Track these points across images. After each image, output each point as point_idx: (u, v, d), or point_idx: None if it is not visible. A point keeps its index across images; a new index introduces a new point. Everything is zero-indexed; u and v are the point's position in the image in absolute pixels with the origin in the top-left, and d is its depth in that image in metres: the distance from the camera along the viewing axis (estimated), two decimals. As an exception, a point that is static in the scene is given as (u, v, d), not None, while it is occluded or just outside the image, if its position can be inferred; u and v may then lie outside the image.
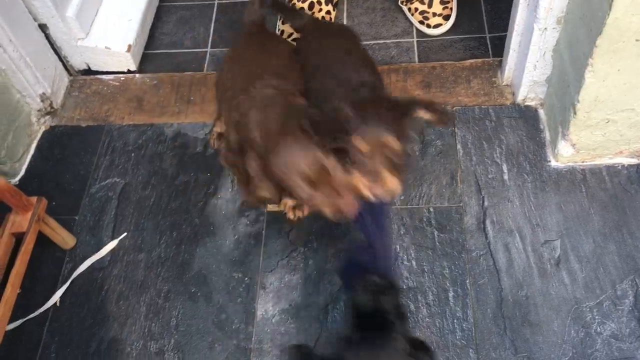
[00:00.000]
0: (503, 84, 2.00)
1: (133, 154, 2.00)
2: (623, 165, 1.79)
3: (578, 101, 1.56)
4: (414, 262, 1.70)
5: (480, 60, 2.08)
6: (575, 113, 1.60)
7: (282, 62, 1.62)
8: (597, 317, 1.56)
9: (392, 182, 1.33)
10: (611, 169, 1.79)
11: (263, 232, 1.80)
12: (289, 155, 1.32)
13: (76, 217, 1.87)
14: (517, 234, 1.71)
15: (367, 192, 1.32)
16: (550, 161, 1.83)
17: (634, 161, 1.78)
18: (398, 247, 1.72)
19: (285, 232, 1.79)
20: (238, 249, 1.78)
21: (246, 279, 1.72)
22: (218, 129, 1.84)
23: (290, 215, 1.71)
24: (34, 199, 1.65)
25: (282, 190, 1.39)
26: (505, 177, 1.82)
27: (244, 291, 1.70)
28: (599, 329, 1.54)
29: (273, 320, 1.65)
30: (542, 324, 1.57)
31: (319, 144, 1.33)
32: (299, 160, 1.31)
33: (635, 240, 1.66)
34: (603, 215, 1.71)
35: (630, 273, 1.61)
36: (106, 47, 2.13)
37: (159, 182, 1.93)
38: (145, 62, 2.26)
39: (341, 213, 1.31)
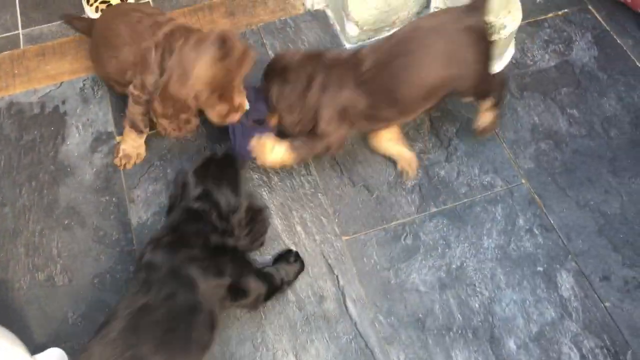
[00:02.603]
0: (293, -2, 2.36)
1: (-29, 131, 2.05)
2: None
3: (347, -22, 1.94)
4: (256, 146, 1.97)
5: (270, -15, 2.42)
6: (348, -9, 1.98)
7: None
8: (407, 142, 1.94)
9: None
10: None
11: (118, 159, 1.96)
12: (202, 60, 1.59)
13: None
14: (333, 103, 2.05)
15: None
16: (344, 45, 2.20)
17: (405, 29, 2.21)
18: (240, 137, 1.98)
19: (139, 154, 1.97)
20: (99, 179, 1.93)
21: (114, 199, 1.88)
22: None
23: (118, 163, 1.94)
24: None
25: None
26: (313, 65, 2.16)
27: (114, 209, 1.86)
28: (411, 150, 1.93)
29: (148, 223, 1.83)
30: (369, 159, 1.92)
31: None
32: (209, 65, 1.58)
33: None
34: (393, 72, 2.12)
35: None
36: None
37: (4, 146, 2.01)
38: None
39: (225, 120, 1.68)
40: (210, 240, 1.48)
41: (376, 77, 1.65)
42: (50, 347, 1.58)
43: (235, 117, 1.69)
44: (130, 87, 1.77)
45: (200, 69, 1.58)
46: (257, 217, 1.61)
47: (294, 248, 1.75)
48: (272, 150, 1.69)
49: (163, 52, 1.69)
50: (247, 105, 1.70)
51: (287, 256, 1.69)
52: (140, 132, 1.87)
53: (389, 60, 1.65)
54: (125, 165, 1.93)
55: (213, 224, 1.50)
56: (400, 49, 1.66)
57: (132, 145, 1.91)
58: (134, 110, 1.81)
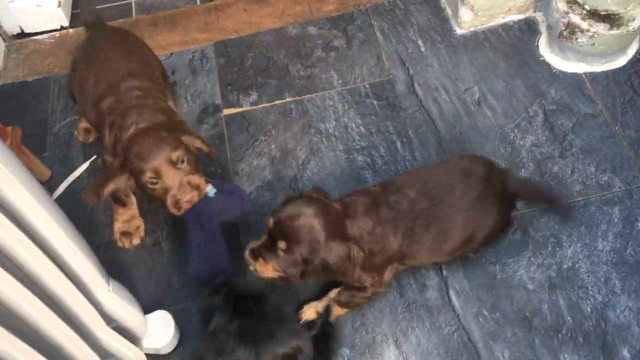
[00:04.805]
0: (403, -20, 2.31)
1: (85, 94, 2.12)
2: (514, 21, 2.13)
3: (469, -39, 1.88)
4: (362, 128, 1.95)
5: (380, -34, 2.37)
6: (468, -26, 1.92)
7: (139, 60, 1.74)
8: (518, 135, 1.88)
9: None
10: (505, 26, 2.13)
11: (224, 131, 1.99)
12: (152, 145, 1.44)
13: (45, 154, 1.98)
14: (441, 89, 2.01)
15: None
16: (455, 30, 2.14)
17: (521, 16, 2.13)
18: (346, 118, 1.97)
19: (244, 128, 1.99)
20: (205, 149, 1.95)
21: (219, 170, 1.91)
22: (83, 124, 1.90)
23: (120, 244, 1.75)
24: (9, 128, 1.76)
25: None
26: (422, 49, 2.11)
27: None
28: (521, 143, 1.86)
29: (252, 197, 1.85)
30: (476, 149, 1.87)
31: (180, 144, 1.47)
32: (157, 150, 1.43)
33: (536, 72, 2.00)
34: (506, 61, 2.04)
35: (537, 97, 1.95)
36: (37, 5, 2.24)
37: (117, 112, 2.07)
38: (76, 21, 2.38)
39: (179, 206, 1.45)
40: None
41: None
42: (155, 309, 1.62)
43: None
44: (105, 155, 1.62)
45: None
46: None
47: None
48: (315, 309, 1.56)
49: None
50: (210, 192, 1.47)
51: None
52: (123, 204, 1.73)
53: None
54: (131, 242, 1.75)
55: None
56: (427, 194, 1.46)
57: (124, 220, 1.75)
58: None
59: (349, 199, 1.43)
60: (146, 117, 1.54)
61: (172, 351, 1.58)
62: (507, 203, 1.54)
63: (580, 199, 1.73)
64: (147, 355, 1.51)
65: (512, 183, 1.55)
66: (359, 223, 1.38)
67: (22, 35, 2.32)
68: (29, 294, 1.00)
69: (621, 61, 1.96)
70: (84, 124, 1.90)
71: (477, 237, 1.49)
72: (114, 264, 1.75)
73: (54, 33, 2.33)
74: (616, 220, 1.68)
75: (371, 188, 1.49)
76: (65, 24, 2.34)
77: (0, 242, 0.96)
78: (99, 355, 1.23)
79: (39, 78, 2.19)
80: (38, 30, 2.33)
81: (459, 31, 2.13)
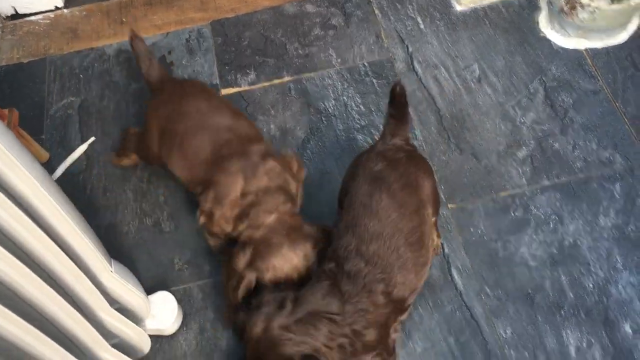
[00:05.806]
0: (402, -44, 2.27)
1: (81, 75, 2.10)
2: (514, -2, 2.11)
3: (469, -64, 1.85)
4: (362, 107, 1.94)
5: (378, -58, 2.34)
6: (468, -51, 1.89)
7: (235, 117, 1.63)
8: (519, 112, 1.87)
9: None
10: (505, 2, 2.11)
11: (223, 112, 1.97)
12: (285, 257, 1.40)
13: (43, 137, 1.97)
14: (441, 67, 1.99)
15: None
16: (455, 7, 2.12)
17: (521, -8, 2.11)
18: (345, 97, 1.96)
19: (243, 108, 1.97)
20: (204, 130, 1.94)
21: (218, 151, 1.89)
22: (126, 161, 1.85)
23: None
24: (6, 110, 1.74)
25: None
26: (422, 26, 2.09)
27: (219, 161, 1.87)
28: (522, 120, 1.85)
29: (252, 177, 1.83)
30: (477, 127, 1.86)
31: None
32: (290, 263, 1.40)
33: (536, 49, 1.98)
34: (506, 38, 2.03)
35: (537, 74, 1.93)
36: (30, -14, 2.20)
37: (114, 93, 2.05)
38: (71, 1, 2.34)
39: None
40: None
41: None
42: (157, 290, 1.62)
43: None
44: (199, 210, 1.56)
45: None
46: None
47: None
48: None
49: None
50: None
51: None
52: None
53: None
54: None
55: None
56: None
57: None
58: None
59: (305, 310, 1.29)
60: (275, 208, 1.46)
61: (176, 332, 1.58)
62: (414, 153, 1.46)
63: (582, 175, 1.73)
64: (150, 336, 1.52)
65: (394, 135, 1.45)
66: (321, 323, 1.25)
67: (16, 16, 2.29)
68: (32, 275, 0.99)
69: (622, 37, 1.95)
70: (126, 161, 1.84)
71: (431, 200, 1.43)
72: (115, 246, 1.75)
73: (48, 14, 2.30)
74: (617, 196, 1.68)
75: (326, 269, 1.34)
76: (60, 4, 2.30)
77: (2, 224, 0.95)
78: (104, 337, 1.23)
79: (35, 60, 2.17)
80: (32, 11, 2.29)
81: (458, 8, 2.11)
